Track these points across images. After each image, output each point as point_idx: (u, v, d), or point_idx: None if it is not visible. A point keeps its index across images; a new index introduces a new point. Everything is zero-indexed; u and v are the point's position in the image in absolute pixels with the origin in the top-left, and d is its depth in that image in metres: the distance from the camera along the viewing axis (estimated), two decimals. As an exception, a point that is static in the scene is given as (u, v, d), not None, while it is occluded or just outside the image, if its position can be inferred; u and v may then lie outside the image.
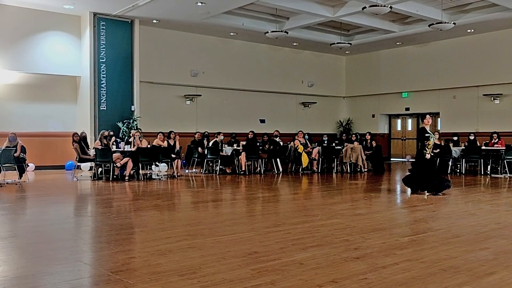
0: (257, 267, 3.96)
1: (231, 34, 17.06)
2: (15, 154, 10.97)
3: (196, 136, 14.64)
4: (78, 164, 12.23)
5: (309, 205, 8.02)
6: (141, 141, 11.95)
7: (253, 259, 4.21)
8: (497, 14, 14.46)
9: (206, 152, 13.59)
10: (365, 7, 12.37)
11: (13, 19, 13.65)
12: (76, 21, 14.63)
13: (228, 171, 13.52)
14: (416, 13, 14.52)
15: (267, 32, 15.21)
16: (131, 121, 14.55)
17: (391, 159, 20.39)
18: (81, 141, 12.08)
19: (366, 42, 18.24)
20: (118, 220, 6.33)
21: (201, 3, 13.23)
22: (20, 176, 11.16)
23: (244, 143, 13.95)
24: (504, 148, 13.16)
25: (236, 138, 14.67)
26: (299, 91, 20.08)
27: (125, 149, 12.06)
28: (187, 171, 14.02)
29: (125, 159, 11.59)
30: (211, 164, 13.96)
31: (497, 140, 13.67)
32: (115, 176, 11.54)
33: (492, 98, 16.88)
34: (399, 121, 20.76)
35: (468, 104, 17.45)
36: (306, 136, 15.32)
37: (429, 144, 8.53)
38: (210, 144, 13.69)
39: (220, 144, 13.53)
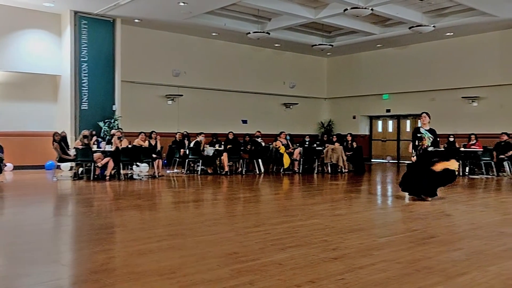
0: (236, 267, 3.99)
1: (213, 34, 17.06)
2: (-8, 154, 10.82)
3: (177, 136, 14.61)
4: (58, 164, 12.11)
5: (289, 205, 8.08)
6: (121, 141, 11.87)
7: (232, 259, 4.25)
8: (475, 18, 14.76)
9: (187, 152, 13.57)
10: (346, 9, 12.50)
11: (-9, 16, 13.45)
12: (56, 19, 14.46)
13: (209, 171, 13.52)
14: (397, 16, 14.73)
15: (249, 32, 15.26)
16: (112, 121, 14.45)
17: (372, 160, 20.61)
18: (61, 141, 11.96)
19: (347, 44, 18.41)
20: (98, 220, 6.31)
21: (183, 3, 13.21)
22: (-2, 175, 11.02)
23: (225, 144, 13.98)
24: (482, 149, 13.44)
25: (218, 138, 14.68)
26: (281, 92, 20.17)
27: (106, 149, 11.98)
28: (168, 171, 13.98)
29: (106, 159, 11.52)
30: (192, 165, 13.94)
31: (474, 141, 13.95)
32: (95, 176, 11.45)
33: (471, 100, 17.19)
34: (379, 122, 21.00)
35: (447, 106, 17.74)
36: (288, 137, 15.41)
37: (422, 144, 8.10)
38: (192, 144, 13.67)
39: (201, 144, 13.52)
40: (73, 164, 11.87)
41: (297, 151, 14.37)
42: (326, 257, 4.34)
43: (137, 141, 12.54)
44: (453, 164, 8.05)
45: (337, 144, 14.52)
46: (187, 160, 13.61)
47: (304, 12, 14.75)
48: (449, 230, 5.74)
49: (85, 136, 11.89)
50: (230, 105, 18.74)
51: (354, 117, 20.97)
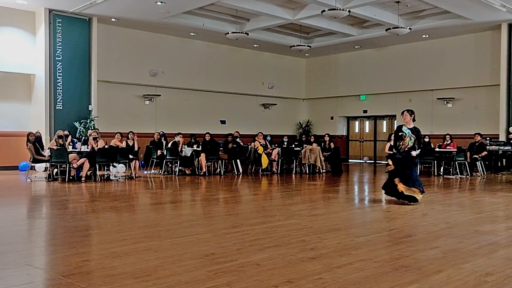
0: (213, 268, 3.95)
1: (191, 34, 16.96)
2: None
3: (155, 136, 14.46)
4: (32, 164, 11.85)
5: (268, 206, 8.07)
6: (97, 141, 11.69)
7: (209, 261, 4.21)
8: (450, 21, 15.02)
9: (165, 153, 13.45)
10: (324, 11, 12.57)
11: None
12: (30, 17, 14.17)
13: (187, 172, 13.43)
14: (374, 18, 14.88)
15: (228, 33, 15.22)
16: (88, 121, 14.23)
17: (349, 160, 20.78)
18: (35, 141, 11.72)
19: (325, 45, 18.53)
20: (73, 222, 6.18)
21: (161, 2, 13.09)
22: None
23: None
24: (456, 150, 13.67)
25: (196, 139, 14.58)
26: (259, 92, 20.17)
27: (82, 150, 11.78)
28: (145, 172, 13.83)
29: (82, 160, 11.32)
30: (170, 165, 13.82)
31: (449, 141, 14.17)
32: (71, 177, 11.25)
33: (445, 101, 17.48)
34: (357, 123, 21.19)
35: (423, 107, 18.00)
36: (268, 138, 15.41)
37: (402, 144, 7.67)
38: (169, 144, 13.55)
39: (179, 145, 13.41)
40: (48, 165, 11.63)
41: (275, 151, 14.38)
42: (304, 257, 4.34)
43: (113, 142, 12.37)
44: (412, 192, 7.62)
45: (314, 145, 14.59)
46: (164, 161, 13.49)
47: (282, 13, 14.79)
48: (426, 229, 5.81)
49: (60, 137, 11.68)
50: (209, 106, 18.65)
51: (332, 118, 21.11)
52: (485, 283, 3.64)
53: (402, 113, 7.93)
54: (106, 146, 11.91)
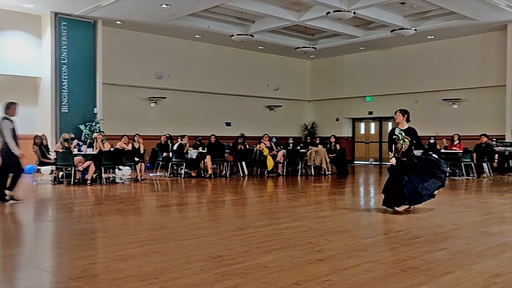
0: (220, 271, 3.94)
1: (197, 36, 16.98)
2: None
3: (162, 139, 14.47)
4: (38, 167, 11.88)
5: (274, 208, 8.05)
6: (103, 144, 11.71)
7: (216, 263, 4.19)
8: (455, 22, 14.95)
9: (171, 155, 13.45)
10: (329, 12, 12.54)
11: (-31, 17, 13.18)
12: (36, 20, 14.23)
13: (193, 174, 13.43)
14: (379, 19, 14.84)
15: (233, 35, 15.22)
16: (93, 124, 14.26)
17: (355, 162, 20.71)
18: (41, 144, 11.76)
19: (330, 47, 18.49)
20: (79, 225, 6.19)
21: (166, 5, 13.11)
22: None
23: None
24: (462, 151, 13.59)
25: (201, 141, 14.58)
26: (264, 94, 20.16)
27: (87, 152, 11.80)
28: (151, 174, 13.84)
29: (87, 163, 11.34)
30: (175, 168, 13.83)
31: (457, 142, 14.11)
32: (76, 180, 11.26)
33: (451, 102, 17.40)
34: (362, 124, 21.12)
35: (429, 108, 17.93)
36: (274, 140, 15.41)
37: (397, 148, 7.10)
38: (175, 147, 13.56)
39: (184, 147, 13.42)
40: (54, 168, 11.66)
41: (280, 153, 14.36)
42: (311, 259, 4.32)
43: (119, 144, 12.39)
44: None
45: (320, 146, 14.56)
46: (170, 163, 13.49)
47: (287, 15, 14.77)
48: (433, 230, 5.77)
49: (65, 140, 11.70)
50: (214, 108, 18.66)
51: (337, 119, 21.06)
52: (494, 285, 3.61)
53: (395, 113, 7.30)
54: (111, 149, 11.92)
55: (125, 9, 13.61)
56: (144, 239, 5.26)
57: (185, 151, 13.32)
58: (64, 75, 14.17)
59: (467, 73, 16.85)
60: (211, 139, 14.17)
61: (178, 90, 17.55)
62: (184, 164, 13.24)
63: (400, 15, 14.81)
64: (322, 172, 14.22)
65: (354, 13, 12.75)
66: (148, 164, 14.44)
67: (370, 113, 20.04)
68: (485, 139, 13.93)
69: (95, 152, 11.59)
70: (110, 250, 4.80)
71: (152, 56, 16.81)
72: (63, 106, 14.15)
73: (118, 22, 15.07)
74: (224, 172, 13.81)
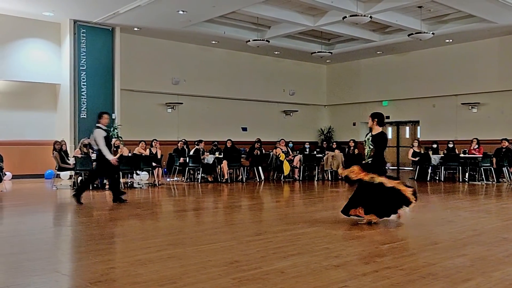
0: (237, 276, 3.95)
1: (213, 42, 17.08)
2: (-8, 163, 10.78)
3: (179, 144, 14.55)
4: (58, 173, 12.05)
5: (291, 213, 8.03)
6: (121, 149, 11.83)
7: (233, 268, 4.20)
8: (474, 25, 14.78)
9: (187, 160, 13.53)
10: (345, 17, 12.52)
11: (-9, 26, 13.47)
12: (56, 28, 14.49)
13: (210, 179, 13.48)
14: (396, 23, 14.75)
15: (249, 40, 15.28)
16: (111, 129, 14.42)
17: (372, 166, 20.52)
18: (61, 149, 11.93)
19: (346, 51, 18.43)
20: (98, 230, 6.26)
21: (183, 11, 13.23)
22: (-3, 185, 10.97)
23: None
24: (481, 156, 13.40)
25: (218, 146, 14.63)
26: (280, 99, 20.17)
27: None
28: (168, 179, 13.93)
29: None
30: (192, 173, 13.90)
31: (477, 146, 13.92)
32: (95, 185, 11.40)
33: (470, 106, 17.19)
34: (379, 129, 20.93)
35: (447, 112, 17.73)
36: (291, 144, 15.39)
37: (366, 154, 6.61)
38: (192, 152, 13.63)
39: (201, 152, 13.49)
40: (73, 173, 11.81)
41: (297, 158, 14.33)
42: (328, 265, 4.30)
43: (137, 150, 12.51)
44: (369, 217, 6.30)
45: (337, 151, 14.49)
46: (187, 168, 13.57)
47: (303, 20, 14.78)
48: (452, 236, 5.70)
49: (84, 145, 11.86)
50: (230, 113, 18.73)
51: (354, 124, 20.95)
52: (516, 292, 3.55)
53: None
54: (129, 154, 12.04)
55: (142, 16, 13.77)
56: (161, 243, 5.30)
57: (201, 156, 13.37)
58: (83, 82, 14.37)
59: (486, 76, 16.64)
60: (228, 144, 14.20)
61: (194, 96, 17.66)
62: (201, 169, 13.30)
63: (417, 18, 14.71)
64: (339, 177, 14.12)
65: (371, 17, 12.70)
66: (165, 169, 14.53)
67: (387, 117, 19.84)
68: (506, 144, 13.72)
69: (118, 156, 11.69)
70: (129, 254, 4.84)
71: (169, 62, 16.96)
72: (82, 112, 14.34)
73: (135, 29, 15.25)
74: (240, 177, 13.83)
